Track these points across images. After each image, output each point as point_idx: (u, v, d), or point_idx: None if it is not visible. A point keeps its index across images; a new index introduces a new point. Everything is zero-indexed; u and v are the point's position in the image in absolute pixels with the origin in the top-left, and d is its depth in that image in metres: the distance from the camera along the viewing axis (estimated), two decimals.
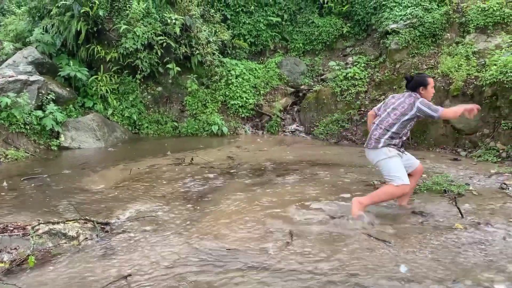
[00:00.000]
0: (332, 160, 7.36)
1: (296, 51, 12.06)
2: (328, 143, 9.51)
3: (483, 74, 7.86)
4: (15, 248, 3.50)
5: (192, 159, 7.35)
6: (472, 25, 9.34)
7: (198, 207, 4.84)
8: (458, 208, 4.45)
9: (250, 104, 10.98)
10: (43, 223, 3.85)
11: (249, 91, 11.06)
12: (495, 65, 7.67)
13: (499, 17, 9.09)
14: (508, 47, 8.23)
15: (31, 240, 3.58)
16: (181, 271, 3.21)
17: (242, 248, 3.63)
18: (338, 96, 10.32)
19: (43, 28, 9.69)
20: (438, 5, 9.93)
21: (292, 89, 11.45)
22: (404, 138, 4.43)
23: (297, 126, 10.94)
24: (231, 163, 7.25)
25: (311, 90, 11.07)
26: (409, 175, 4.45)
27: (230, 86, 10.95)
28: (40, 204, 4.95)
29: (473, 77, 8.15)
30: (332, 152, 8.22)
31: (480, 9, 9.34)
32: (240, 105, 10.90)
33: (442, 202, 4.82)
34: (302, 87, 11.41)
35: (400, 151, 4.36)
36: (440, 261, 3.31)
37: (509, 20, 9.07)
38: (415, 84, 4.43)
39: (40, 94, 8.55)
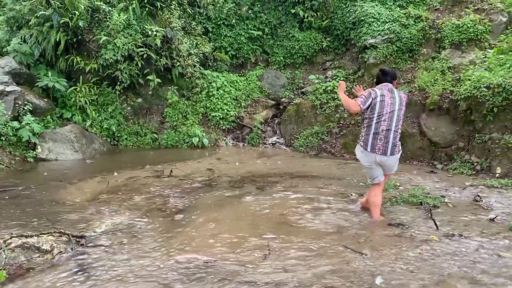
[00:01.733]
0: (312, 172, 7.41)
1: (277, 64, 12.18)
2: (308, 155, 9.58)
3: (458, 89, 8.08)
4: None
5: (171, 171, 7.29)
6: (447, 41, 9.61)
7: (176, 220, 4.80)
8: (434, 220, 4.53)
9: (231, 116, 11.00)
10: (15, 237, 3.76)
11: (230, 103, 11.08)
12: (469, 80, 7.89)
13: (472, 34, 9.37)
14: (481, 63, 8.48)
15: (3, 254, 3.49)
16: (157, 285, 3.18)
17: (219, 260, 3.61)
18: (318, 109, 10.43)
19: (21, 38, 9.54)
20: (414, 21, 10.19)
21: (273, 102, 11.52)
22: None
23: (277, 138, 11.00)
24: (211, 175, 7.23)
25: (291, 103, 11.16)
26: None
27: (211, 98, 10.96)
28: (14, 217, 4.84)
29: (448, 91, 8.36)
30: (312, 164, 8.27)
31: (454, 25, 9.62)
32: (221, 117, 10.91)
33: (418, 214, 4.90)
34: (283, 99, 11.50)
35: None
36: (415, 273, 3.35)
37: (482, 37, 9.36)
38: (392, 76, 4.74)
39: (16, 105, 8.39)
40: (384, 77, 4.71)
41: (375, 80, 4.84)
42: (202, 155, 9.33)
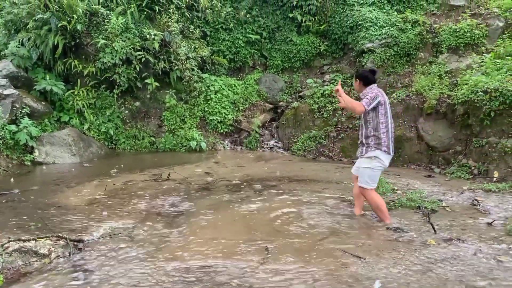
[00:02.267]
0: (310, 176, 7.41)
1: (275, 68, 12.20)
2: (306, 159, 9.58)
3: (455, 93, 8.10)
4: None
5: (169, 175, 7.28)
6: (445, 45, 9.66)
7: (173, 224, 4.79)
8: (431, 224, 4.54)
9: (229, 119, 11.01)
10: (13, 241, 3.74)
11: (228, 107, 11.10)
12: (466, 84, 7.92)
13: (469, 38, 9.43)
14: (478, 67, 8.52)
15: (0, 258, 3.47)
16: None
17: (217, 265, 3.60)
18: (315, 112, 10.45)
19: (19, 42, 9.55)
20: (412, 26, 10.25)
21: (271, 106, 11.54)
22: None
23: (275, 142, 11.00)
24: (209, 179, 7.22)
25: (289, 107, 11.18)
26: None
27: (209, 102, 10.97)
28: (11, 221, 4.82)
29: (445, 95, 8.39)
30: (310, 168, 8.28)
31: (452, 30, 9.68)
32: (219, 120, 10.91)
33: (416, 218, 4.90)
34: (281, 103, 11.52)
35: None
36: (413, 277, 3.35)
37: (479, 41, 9.42)
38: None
39: (14, 108, 8.38)
40: (374, 77, 4.67)
41: (363, 81, 4.66)
42: (200, 159, 9.33)
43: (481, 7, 10.20)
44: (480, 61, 8.72)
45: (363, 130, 4.66)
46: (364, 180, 4.63)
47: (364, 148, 4.65)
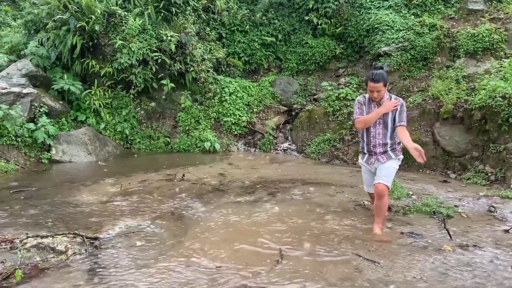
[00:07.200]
0: (323, 179, 7.38)
1: (290, 70, 12.20)
2: (320, 162, 9.55)
3: (472, 98, 8.00)
4: (2, 262, 3.46)
5: (183, 175, 7.33)
6: (462, 50, 9.55)
7: (187, 224, 4.83)
8: (447, 229, 4.49)
9: (243, 121, 11.03)
10: (31, 237, 3.82)
11: (242, 109, 11.12)
12: (484, 89, 7.81)
13: (488, 43, 9.30)
14: (496, 72, 8.40)
15: (18, 253, 3.54)
16: None
17: (231, 266, 3.62)
18: (330, 116, 10.42)
19: (39, 41, 9.70)
20: (429, 30, 10.16)
21: (285, 108, 11.54)
22: (361, 143, 4.77)
23: (289, 144, 10.99)
24: (222, 180, 7.25)
25: (303, 109, 11.16)
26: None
27: (223, 103, 11.01)
28: (29, 218, 4.91)
29: (462, 100, 8.29)
30: (323, 171, 8.25)
31: (470, 34, 9.57)
32: (233, 122, 10.94)
33: (431, 223, 4.86)
34: (295, 106, 11.51)
35: (363, 160, 4.78)
36: (428, 283, 3.33)
37: (497, 46, 9.29)
38: None
39: (32, 107, 8.53)
40: None
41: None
42: (213, 160, 9.37)
43: (500, 12, 10.07)
44: (499, 66, 8.60)
45: (391, 137, 4.61)
46: (391, 180, 4.56)
47: (392, 153, 4.59)
